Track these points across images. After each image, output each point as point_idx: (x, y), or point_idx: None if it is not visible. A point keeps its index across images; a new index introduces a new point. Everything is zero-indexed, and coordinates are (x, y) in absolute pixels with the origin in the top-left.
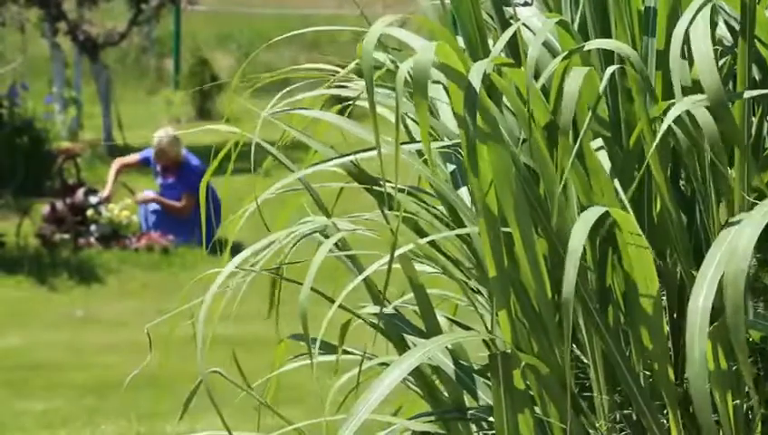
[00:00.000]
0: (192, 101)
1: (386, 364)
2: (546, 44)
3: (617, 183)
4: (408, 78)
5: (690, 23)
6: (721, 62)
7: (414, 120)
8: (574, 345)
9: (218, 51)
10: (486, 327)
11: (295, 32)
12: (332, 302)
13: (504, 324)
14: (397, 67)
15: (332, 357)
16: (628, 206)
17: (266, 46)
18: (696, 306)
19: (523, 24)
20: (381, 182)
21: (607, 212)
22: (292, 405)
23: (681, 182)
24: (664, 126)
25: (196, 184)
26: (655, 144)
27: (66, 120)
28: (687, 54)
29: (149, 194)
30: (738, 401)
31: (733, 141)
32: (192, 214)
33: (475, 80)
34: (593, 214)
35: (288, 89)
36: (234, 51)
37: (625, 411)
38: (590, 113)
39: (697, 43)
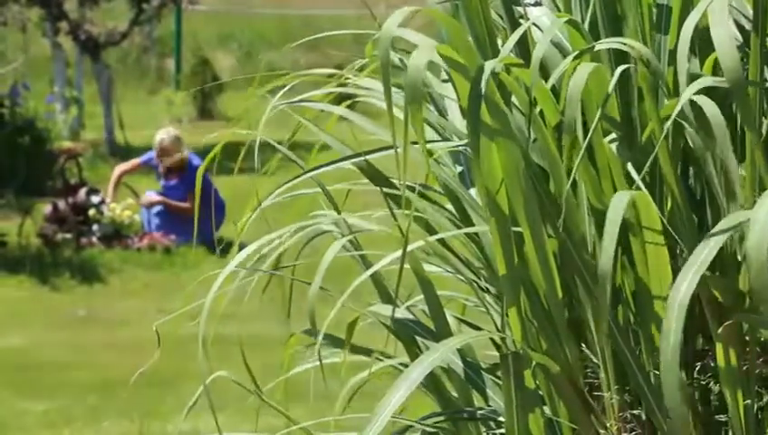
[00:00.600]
0: (193, 101)
1: (402, 365)
2: (557, 45)
3: (633, 174)
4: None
5: (700, 19)
6: None
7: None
8: (583, 345)
9: (219, 50)
10: (497, 327)
11: (312, 36)
12: (342, 302)
13: (515, 324)
14: (404, 65)
15: (345, 356)
16: (646, 192)
17: (269, 46)
18: (675, 296)
19: (534, 24)
20: (393, 181)
21: None
22: (295, 404)
23: (690, 181)
24: (678, 107)
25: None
26: (665, 132)
27: (67, 120)
28: (699, 52)
29: (154, 196)
30: (749, 401)
31: (747, 128)
32: (200, 213)
33: (483, 77)
34: (624, 196)
35: (288, 87)
36: (235, 50)
37: (635, 411)
38: (599, 111)
39: (716, 24)
